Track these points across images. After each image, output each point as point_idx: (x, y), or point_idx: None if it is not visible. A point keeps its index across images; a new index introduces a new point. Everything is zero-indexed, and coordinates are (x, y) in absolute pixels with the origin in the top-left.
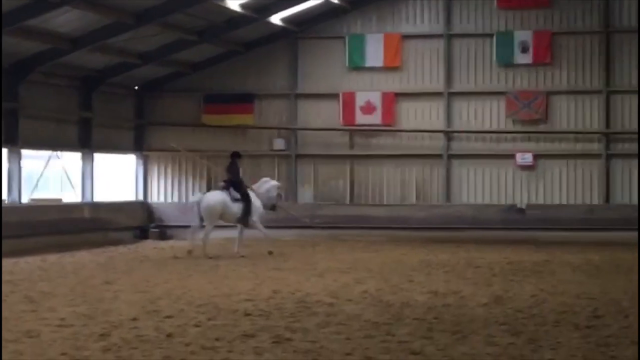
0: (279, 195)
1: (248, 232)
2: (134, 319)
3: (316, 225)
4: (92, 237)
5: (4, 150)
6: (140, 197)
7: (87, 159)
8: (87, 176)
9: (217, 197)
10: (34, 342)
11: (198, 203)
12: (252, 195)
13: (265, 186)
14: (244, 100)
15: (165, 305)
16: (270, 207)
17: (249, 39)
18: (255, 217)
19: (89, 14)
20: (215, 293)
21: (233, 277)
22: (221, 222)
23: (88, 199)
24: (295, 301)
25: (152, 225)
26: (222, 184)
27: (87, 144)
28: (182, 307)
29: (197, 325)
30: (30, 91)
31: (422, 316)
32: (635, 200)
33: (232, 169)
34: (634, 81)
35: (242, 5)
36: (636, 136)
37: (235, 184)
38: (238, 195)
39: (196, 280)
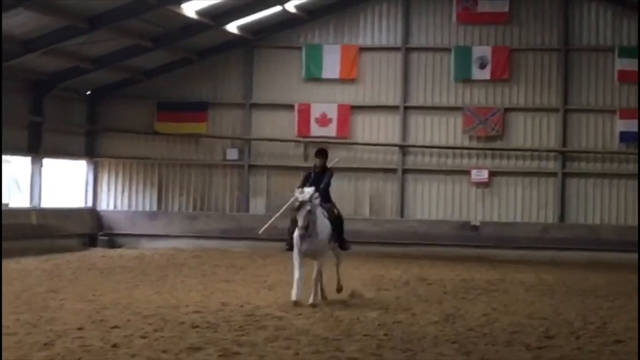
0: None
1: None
2: (79, 329)
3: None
4: (38, 243)
5: None
6: (90, 204)
7: (37, 164)
8: (36, 181)
9: None
10: None
11: None
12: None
13: None
14: (198, 108)
15: (111, 315)
16: None
17: (204, 47)
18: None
19: (42, 16)
20: (163, 304)
21: (181, 288)
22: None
23: (36, 204)
24: (243, 314)
25: (101, 233)
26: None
27: (36, 148)
28: (128, 317)
29: (143, 337)
30: None
31: (372, 332)
32: (589, 221)
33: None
34: (591, 100)
35: (198, 12)
36: (592, 155)
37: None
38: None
39: (143, 290)
